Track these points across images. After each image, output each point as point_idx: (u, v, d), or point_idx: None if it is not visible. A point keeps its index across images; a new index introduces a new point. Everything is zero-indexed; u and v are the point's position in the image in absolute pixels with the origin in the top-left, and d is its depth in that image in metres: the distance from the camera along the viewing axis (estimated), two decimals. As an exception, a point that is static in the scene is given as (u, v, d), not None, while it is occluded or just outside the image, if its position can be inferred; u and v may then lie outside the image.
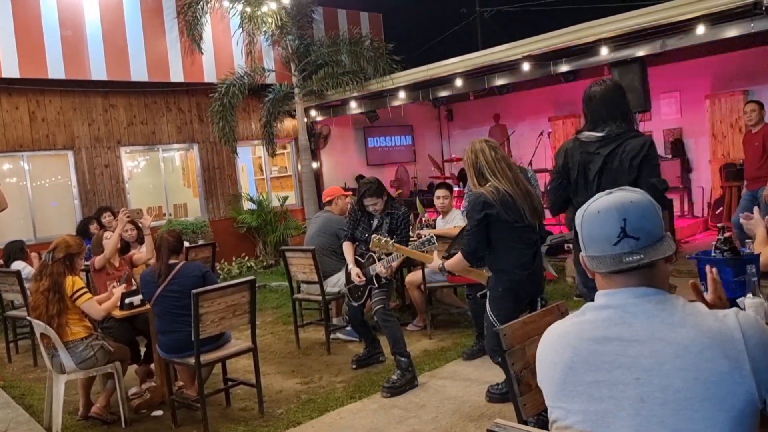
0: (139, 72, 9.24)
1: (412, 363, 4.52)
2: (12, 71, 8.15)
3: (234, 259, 10.43)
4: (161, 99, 10.02)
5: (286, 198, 11.15)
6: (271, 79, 10.29)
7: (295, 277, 5.90)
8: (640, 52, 7.17)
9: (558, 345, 1.44)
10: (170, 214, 10.44)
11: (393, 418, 3.93)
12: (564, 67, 8.01)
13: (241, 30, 9.81)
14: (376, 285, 4.56)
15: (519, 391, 2.22)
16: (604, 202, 1.36)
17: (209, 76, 9.91)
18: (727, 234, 2.30)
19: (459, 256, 3.54)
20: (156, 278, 4.09)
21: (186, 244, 8.02)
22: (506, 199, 3.33)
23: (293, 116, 10.72)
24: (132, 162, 10.66)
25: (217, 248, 9.92)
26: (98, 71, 8.86)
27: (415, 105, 10.42)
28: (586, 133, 3.27)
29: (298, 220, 10.95)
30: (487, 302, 3.52)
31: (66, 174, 9.23)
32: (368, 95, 9.86)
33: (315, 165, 11.90)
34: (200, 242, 8.12)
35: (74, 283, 4.10)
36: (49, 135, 8.97)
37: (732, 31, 6.43)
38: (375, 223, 4.69)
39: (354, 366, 4.99)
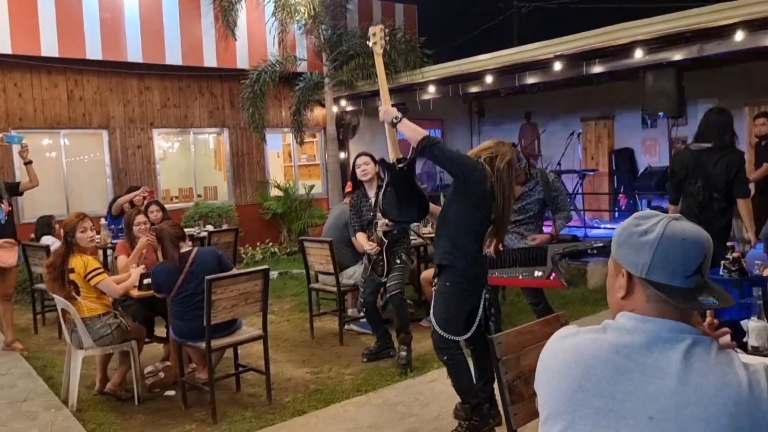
0: (173, 56, 9.40)
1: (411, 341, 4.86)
2: (51, 50, 8.38)
3: (258, 244, 10.57)
4: (194, 83, 10.17)
5: (312, 187, 11.24)
6: (302, 67, 10.36)
7: (312, 267, 5.96)
8: (676, 56, 7.02)
9: (570, 357, 1.34)
10: (199, 196, 10.64)
11: (395, 415, 3.97)
12: (597, 68, 7.88)
13: (274, 18, 9.87)
14: (386, 242, 4.79)
15: (510, 400, 2.23)
16: (686, 231, 1.28)
17: (242, 62, 10.03)
18: (735, 254, 2.26)
19: (423, 131, 3.35)
20: (173, 269, 4.15)
21: (210, 228, 8.18)
22: (495, 188, 3.31)
23: (323, 105, 10.77)
24: (164, 144, 10.86)
25: (241, 233, 10.11)
26: (134, 53, 9.04)
27: (445, 99, 10.37)
28: (696, 144, 4.69)
29: (322, 209, 11.04)
30: (434, 297, 3.47)
31: (100, 152, 9.46)
32: (398, 88, 9.84)
33: (343, 155, 11.95)
34: (224, 227, 8.24)
35: (86, 264, 4.21)
36: (85, 114, 9.19)
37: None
38: (373, 199, 4.98)
39: (365, 359, 5.05)
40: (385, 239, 4.80)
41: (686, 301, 1.25)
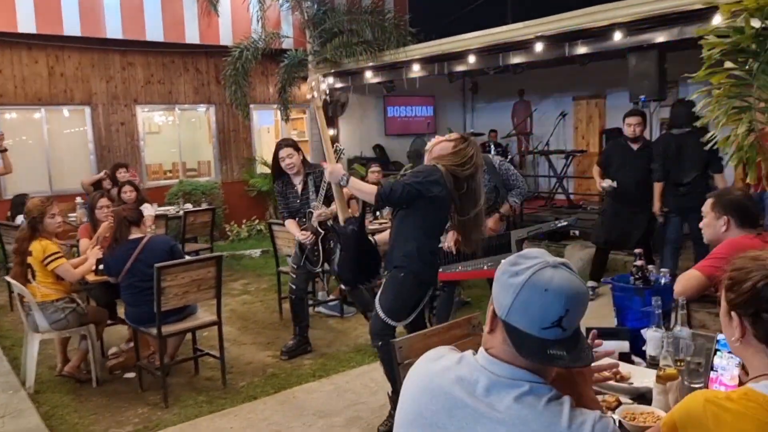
0: (154, 32, 9.29)
1: None
2: (29, 27, 8.30)
3: (244, 221, 10.59)
4: (179, 59, 10.08)
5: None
6: (288, 44, 10.24)
7: (281, 251, 5.98)
8: (659, 38, 6.88)
9: (422, 383, 1.37)
10: (194, 170, 10.64)
11: (343, 402, 4.01)
12: (581, 49, 7.74)
13: (257, -8, 9.75)
14: (322, 232, 4.69)
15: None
16: (553, 281, 1.23)
17: (225, 38, 9.91)
18: (639, 262, 2.24)
19: (373, 188, 3.28)
20: (122, 253, 4.18)
21: (188, 206, 8.19)
22: (450, 187, 3.18)
23: (310, 82, 10.67)
24: (149, 120, 10.83)
25: (226, 210, 10.12)
26: (114, 30, 8.94)
27: (434, 77, 10.25)
28: (677, 129, 5.57)
29: (309, 186, 11.00)
30: (382, 285, 3.40)
31: (83, 129, 9.43)
32: (383, 66, 9.73)
33: (332, 132, 11.88)
34: (204, 206, 8.25)
35: (45, 248, 4.23)
36: (67, 90, 9.14)
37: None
38: (299, 187, 4.84)
39: (284, 357, 4.89)
40: (320, 230, 4.69)
41: (533, 353, 1.23)
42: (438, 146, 3.33)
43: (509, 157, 12.15)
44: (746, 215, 2.62)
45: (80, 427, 3.79)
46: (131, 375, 4.58)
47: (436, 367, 1.37)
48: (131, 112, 9.75)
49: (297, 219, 4.89)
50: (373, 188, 3.27)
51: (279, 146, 4.83)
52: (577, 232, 8.63)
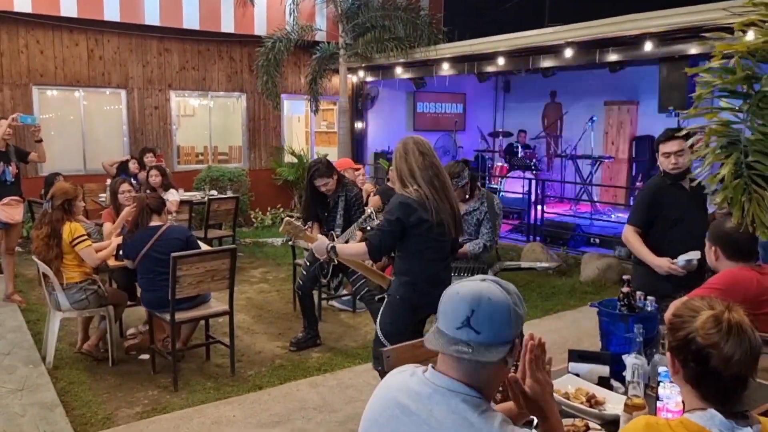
0: (191, 20, 9.50)
1: None
2: (71, 11, 8.57)
3: (269, 209, 10.79)
4: (214, 47, 10.28)
5: (326, 155, 11.30)
6: (320, 36, 10.34)
7: (297, 244, 6.11)
8: (691, 50, 6.80)
9: (382, 392, 1.55)
10: (225, 154, 10.80)
11: (344, 398, 4.13)
12: (612, 57, 7.70)
13: (292, -15, 9.87)
14: (335, 261, 4.62)
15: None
16: (466, 287, 1.43)
17: (259, 29, 10.07)
18: (626, 288, 2.29)
19: (362, 246, 3.19)
20: (141, 238, 4.35)
21: (214, 193, 8.39)
22: (428, 205, 3.08)
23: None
24: (184, 102, 11.06)
25: (252, 197, 10.31)
26: (152, 16, 9.18)
27: (464, 75, 10.25)
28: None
29: (334, 178, 11.13)
30: (382, 308, 3.33)
31: (118, 112, 9.71)
32: (414, 63, 9.78)
33: (360, 125, 11.99)
34: (229, 194, 8.43)
35: (73, 230, 4.43)
36: (105, 73, 9.41)
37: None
38: (331, 203, 4.88)
39: (293, 348, 5.01)
40: (334, 259, 4.70)
41: (447, 346, 1.40)
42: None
43: (537, 158, 12.10)
44: (735, 248, 2.64)
45: (93, 405, 3.98)
46: (146, 357, 4.76)
47: (394, 380, 1.54)
48: (165, 96, 9.98)
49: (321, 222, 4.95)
50: (363, 247, 3.17)
51: (312, 176, 4.76)
52: (597, 240, 8.60)
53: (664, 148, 3.47)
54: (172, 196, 6.70)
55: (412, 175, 3.09)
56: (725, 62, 1.91)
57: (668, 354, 1.51)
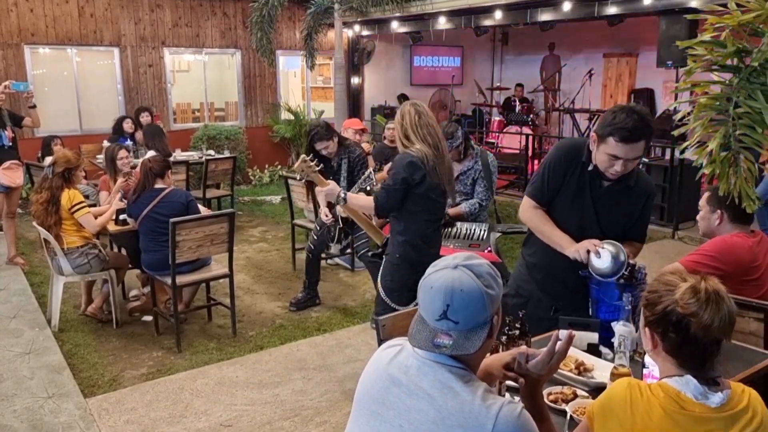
0: (182, -26, 9.29)
1: None
2: (59, -34, 8.38)
3: (267, 167, 10.79)
4: (207, 3, 10.08)
5: (322, 112, 11.26)
6: (315, -11, 10.12)
7: (296, 204, 6.16)
8: (692, 2, 6.68)
9: (373, 366, 1.60)
10: (222, 110, 10.69)
11: (344, 357, 4.24)
12: (611, 9, 7.56)
13: (287, -64, 9.58)
14: (341, 224, 4.69)
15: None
16: (439, 280, 1.44)
17: (253, -17, 9.84)
18: (632, 260, 2.33)
19: (370, 200, 3.28)
20: (143, 199, 4.40)
21: (211, 153, 8.37)
22: (431, 165, 3.17)
23: (337, 29, 10.59)
24: (178, 58, 10.91)
25: (248, 156, 10.29)
26: (142, -29, 8.97)
27: (460, 30, 10.09)
28: None
29: (331, 134, 11.08)
30: (382, 266, 3.42)
31: (112, 71, 9.59)
32: (409, 17, 9.61)
33: (357, 81, 11.86)
34: (225, 153, 8.42)
35: (72, 196, 4.46)
36: (96, 31, 9.26)
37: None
38: (335, 166, 4.87)
39: (293, 308, 5.12)
40: (341, 223, 4.65)
41: (423, 341, 1.45)
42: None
43: (535, 112, 12.03)
44: (740, 210, 2.68)
45: (99, 367, 4.09)
46: (149, 318, 4.86)
47: (385, 354, 1.60)
48: (159, 54, 9.85)
49: None
50: (371, 201, 3.25)
51: (312, 140, 4.75)
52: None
53: (613, 149, 2.38)
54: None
55: (414, 134, 3.18)
56: (716, 35, 1.91)
57: (646, 330, 1.57)
